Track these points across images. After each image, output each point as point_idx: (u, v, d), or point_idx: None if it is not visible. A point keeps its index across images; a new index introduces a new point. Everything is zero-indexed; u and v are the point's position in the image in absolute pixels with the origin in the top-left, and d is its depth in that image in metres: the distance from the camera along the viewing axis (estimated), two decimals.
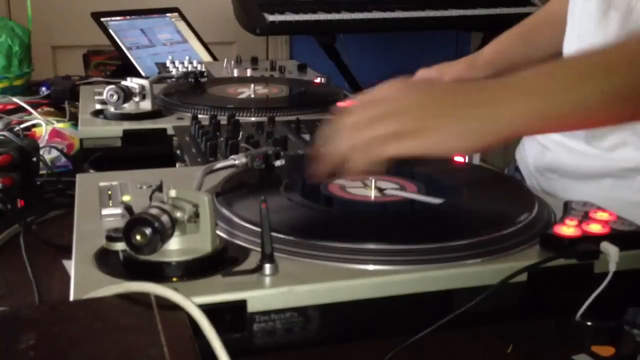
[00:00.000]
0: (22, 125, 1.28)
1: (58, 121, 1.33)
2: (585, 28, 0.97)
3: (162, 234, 0.59)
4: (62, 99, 1.49)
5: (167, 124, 1.16)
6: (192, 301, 0.52)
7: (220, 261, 0.62)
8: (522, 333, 0.63)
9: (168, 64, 1.70)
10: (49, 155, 1.16)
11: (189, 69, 1.63)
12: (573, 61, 0.72)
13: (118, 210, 0.73)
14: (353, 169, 0.67)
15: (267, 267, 0.60)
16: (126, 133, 1.13)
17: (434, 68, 1.16)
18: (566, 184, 0.96)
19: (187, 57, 1.73)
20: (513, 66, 0.77)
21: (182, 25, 2.11)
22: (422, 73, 1.15)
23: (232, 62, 1.76)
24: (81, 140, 1.14)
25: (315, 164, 0.70)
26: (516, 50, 1.17)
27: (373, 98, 0.69)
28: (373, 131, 0.67)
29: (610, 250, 0.63)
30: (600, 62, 0.68)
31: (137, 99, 1.20)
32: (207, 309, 0.52)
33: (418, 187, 0.78)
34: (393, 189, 0.78)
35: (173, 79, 1.53)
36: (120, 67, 1.97)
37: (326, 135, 0.69)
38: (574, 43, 1.02)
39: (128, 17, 2.00)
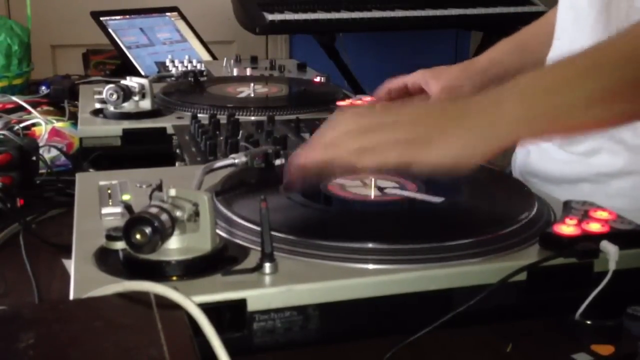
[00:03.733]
0: (22, 125, 1.27)
1: (57, 120, 1.33)
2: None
3: (162, 233, 0.59)
4: (62, 98, 1.49)
5: (166, 123, 1.16)
6: (191, 300, 0.52)
7: (219, 260, 0.62)
8: (522, 332, 0.63)
9: (167, 63, 1.70)
10: (48, 154, 1.16)
11: (189, 68, 1.63)
12: (567, 62, 0.73)
13: (118, 209, 0.73)
14: (359, 170, 0.67)
15: (267, 266, 0.60)
16: (126, 132, 1.13)
17: (431, 70, 1.17)
18: (547, 189, 0.96)
19: (186, 56, 1.73)
20: (508, 75, 0.78)
21: (181, 25, 2.11)
22: (420, 73, 1.16)
23: (232, 61, 1.76)
24: (81, 139, 1.14)
25: (297, 168, 0.70)
26: (512, 59, 1.17)
27: (382, 106, 0.70)
28: (384, 135, 0.67)
29: (610, 249, 0.63)
30: (586, 63, 0.69)
31: (136, 98, 1.20)
32: (206, 308, 0.52)
33: (418, 186, 0.78)
34: (393, 188, 0.78)
35: (172, 78, 1.53)
36: (119, 66, 1.97)
37: (326, 133, 0.69)
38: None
39: (127, 16, 2.00)
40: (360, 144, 0.67)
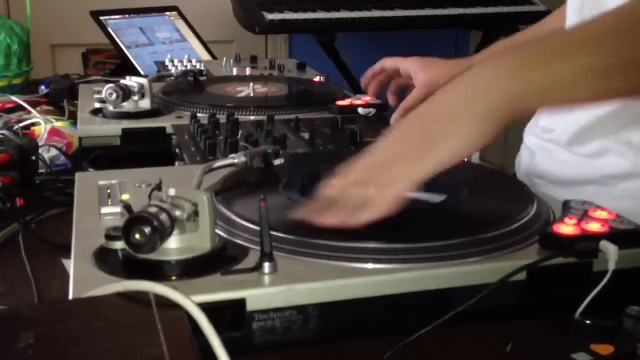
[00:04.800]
0: (22, 124, 1.27)
1: (57, 120, 1.33)
2: None
3: (162, 233, 0.59)
4: (62, 98, 1.49)
5: (166, 122, 1.16)
6: (191, 300, 0.52)
7: (219, 260, 0.62)
8: (522, 331, 0.63)
9: (167, 62, 1.70)
10: (48, 154, 1.16)
11: (188, 67, 1.63)
12: (562, 35, 0.72)
13: (117, 209, 0.73)
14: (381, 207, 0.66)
15: (267, 266, 0.60)
16: (125, 132, 1.13)
17: (425, 60, 1.18)
18: (552, 190, 0.97)
19: (186, 56, 1.73)
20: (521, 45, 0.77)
21: (181, 24, 2.11)
22: (414, 62, 1.17)
23: (232, 61, 1.76)
24: (80, 139, 1.14)
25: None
26: None
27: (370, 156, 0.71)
28: (387, 174, 0.67)
29: (610, 249, 0.63)
30: (582, 35, 0.68)
31: (136, 97, 1.20)
32: (206, 307, 0.52)
33: (417, 186, 0.78)
34: None
35: (172, 78, 1.53)
36: (119, 66, 1.97)
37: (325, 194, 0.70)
38: None
39: (127, 15, 2.00)
40: (359, 196, 0.67)
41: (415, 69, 1.17)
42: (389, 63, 1.22)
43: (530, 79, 0.66)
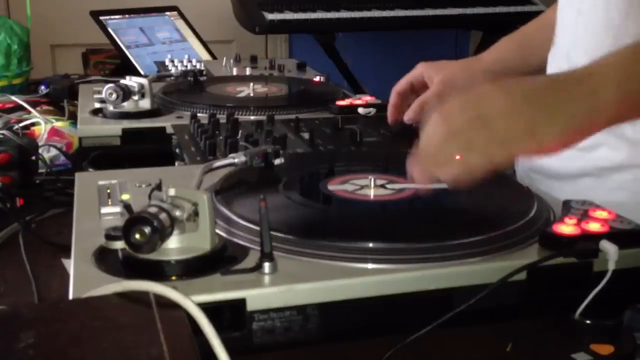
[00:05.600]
0: (21, 124, 1.27)
1: (57, 120, 1.33)
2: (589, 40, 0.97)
3: (161, 233, 0.59)
4: (61, 98, 1.49)
5: (166, 122, 1.16)
6: (191, 300, 0.52)
7: (219, 260, 0.62)
8: (522, 331, 0.63)
9: (167, 62, 1.70)
10: (48, 154, 1.16)
11: (188, 67, 1.63)
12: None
13: (117, 209, 0.73)
14: (470, 173, 0.67)
15: (267, 266, 0.60)
16: (125, 132, 1.13)
17: (431, 63, 1.17)
18: (549, 185, 0.97)
19: (186, 56, 1.73)
20: (510, 73, 0.77)
21: (181, 24, 2.11)
22: (421, 67, 1.16)
23: (231, 61, 1.76)
24: (80, 138, 1.14)
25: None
26: (513, 57, 1.18)
27: (464, 98, 0.69)
28: (480, 134, 0.67)
29: (610, 249, 0.63)
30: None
31: (136, 97, 1.20)
32: (206, 307, 0.52)
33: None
34: (393, 184, 0.78)
35: (172, 78, 1.52)
36: (119, 65, 1.97)
37: (425, 149, 0.70)
38: (562, 58, 1.03)
39: (127, 15, 2.00)
40: (458, 149, 0.67)
41: (428, 72, 1.15)
42: (400, 87, 1.18)
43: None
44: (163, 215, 0.59)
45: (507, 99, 0.68)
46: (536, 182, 1.03)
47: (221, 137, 1.02)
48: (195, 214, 0.62)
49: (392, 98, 1.17)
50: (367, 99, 1.27)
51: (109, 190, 0.81)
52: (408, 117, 1.12)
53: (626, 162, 0.95)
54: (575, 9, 0.99)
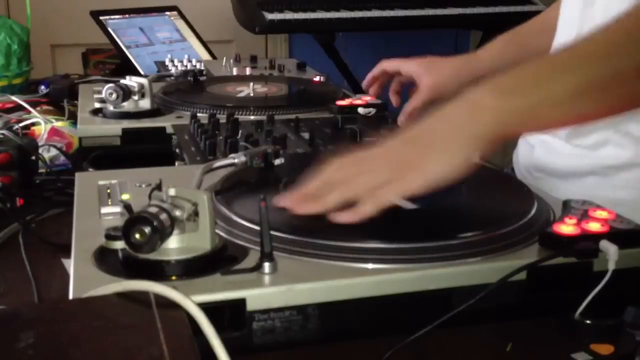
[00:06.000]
0: (21, 124, 1.27)
1: (57, 120, 1.33)
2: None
3: (161, 233, 0.59)
4: (61, 98, 1.49)
5: (166, 122, 1.16)
6: (191, 300, 0.52)
7: (219, 260, 0.62)
8: (522, 331, 0.63)
9: (167, 62, 1.70)
10: (48, 153, 1.16)
11: (188, 67, 1.63)
12: (548, 58, 0.73)
13: (117, 209, 0.73)
14: (362, 213, 0.68)
15: (267, 266, 0.60)
16: (125, 132, 1.13)
17: (426, 62, 1.18)
18: (552, 183, 0.97)
19: (186, 56, 1.73)
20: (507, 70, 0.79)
21: (181, 24, 2.11)
22: (416, 65, 1.17)
23: (231, 61, 1.76)
24: (80, 138, 1.14)
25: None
26: (510, 55, 1.18)
27: (354, 157, 0.72)
28: (366, 182, 0.69)
29: (610, 249, 0.63)
30: (571, 56, 0.70)
31: (136, 97, 1.20)
32: (206, 307, 0.52)
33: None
34: None
35: (172, 78, 1.52)
36: (119, 65, 1.97)
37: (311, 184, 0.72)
38: None
39: (127, 15, 2.00)
40: (342, 196, 0.69)
41: (418, 72, 1.16)
42: (388, 65, 1.22)
43: (518, 101, 0.68)
44: (163, 215, 0.59)
45: (394, 143, 0.72)
46: (538, 180, 1.03)
47: (221, 137, 1.02)
48: (195, 214, 0.62)
49: (376, 69, 1.23)
50: (367, 99, 1.27)
51: (109, 190, 0.81)
52: (400, 122, 1.15)
53: (632, 160, 0.95)
54: (581, 1, 0.99)
